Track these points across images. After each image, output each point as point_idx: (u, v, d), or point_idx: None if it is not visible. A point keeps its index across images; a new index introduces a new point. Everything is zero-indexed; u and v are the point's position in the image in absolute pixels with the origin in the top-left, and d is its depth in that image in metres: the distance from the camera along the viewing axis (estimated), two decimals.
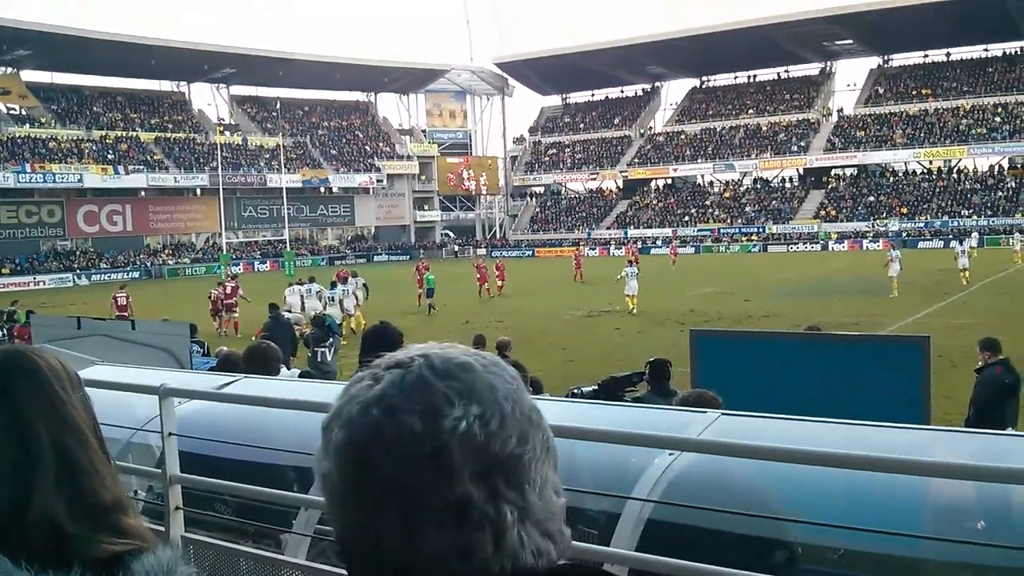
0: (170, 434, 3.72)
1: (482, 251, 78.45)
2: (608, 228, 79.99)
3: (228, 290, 27.86)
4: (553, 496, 0.93)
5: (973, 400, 9.35)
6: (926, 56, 78.98)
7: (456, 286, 38.89)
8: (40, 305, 28.64)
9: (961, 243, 38.15)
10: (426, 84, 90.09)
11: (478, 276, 36.94)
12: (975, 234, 55.20)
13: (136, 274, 61.68)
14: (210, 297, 28.47)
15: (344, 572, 0.94)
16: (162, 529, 3.68)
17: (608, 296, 32.69)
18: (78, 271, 61.15)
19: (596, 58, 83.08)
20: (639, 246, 64.90)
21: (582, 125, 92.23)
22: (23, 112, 68.00)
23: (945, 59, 78.36)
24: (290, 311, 24.41)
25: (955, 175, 71.63)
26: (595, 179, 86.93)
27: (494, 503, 0.87)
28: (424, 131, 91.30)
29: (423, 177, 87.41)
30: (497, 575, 0.88)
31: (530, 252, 76.52)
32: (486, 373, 0.92)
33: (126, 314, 26.03)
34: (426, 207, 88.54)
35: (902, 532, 2.78)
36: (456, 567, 0.87)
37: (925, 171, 73.39)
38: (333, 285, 26.23)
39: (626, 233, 76.41)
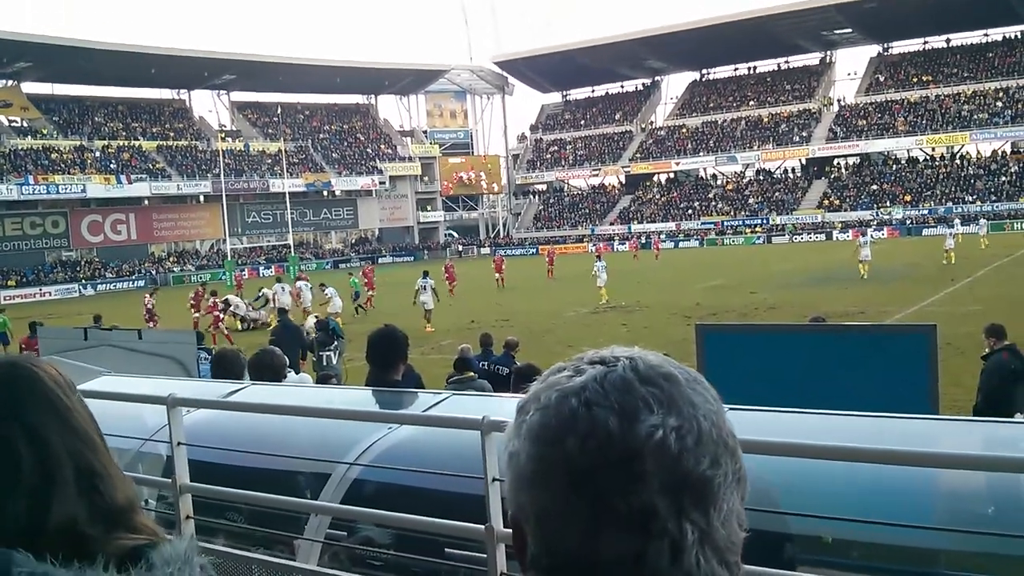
0: (179, 443, 3.74)
1: (486, 250, 78.52)
2: (612, 224, 79.96)
3: (211, 303, 29.42)
4: (736, 527, 0.91)
5: (981, 387, 9.33)
6: (926, 43, 78.82)
7: (460, 286, 39.03)
8: (47, 316, 28.69)
9: (950, 226, 44.80)
10: (426, 85, 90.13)
11: (446, 276, 37.57)
12: (957, 221, 55.42)
13: (141, 282, 61.76)
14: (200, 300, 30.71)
15: None
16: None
17: (610, 292, 32.67)
18: (84, 281, 61.24)
19: (595, 54, 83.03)
20: (641, 241, 65.33)
21: (583, 121, 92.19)
22: (25, 124, 68.17)
23: (945, 45, 78.19)
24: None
25: (958, 161, 71.46)
26: (597, 175, 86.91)
27: (677, 519, 0.86)
28: (425, 132, 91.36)
29: (425, 178, 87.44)
30: None
31: (534, 250, 76.53)
32: (688, 388, 0.91)
33: (156, 319, 29.36)
34: (429, 208, 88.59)
35: (906, 524, 2.78)
36: (630, 572, 0.86)
37: (928, 158, 73.24)
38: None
39: (630, 228, 76.39)
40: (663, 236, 69.45)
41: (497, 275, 41.63)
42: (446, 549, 3.44)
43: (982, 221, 52.53)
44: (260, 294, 32.19)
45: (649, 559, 0.86)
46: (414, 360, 7.05)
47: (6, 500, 1.23)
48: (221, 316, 28.92)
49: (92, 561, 1.20)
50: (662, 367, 0.92)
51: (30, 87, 70.16)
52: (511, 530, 0.97)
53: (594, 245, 65.81)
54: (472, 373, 9.49)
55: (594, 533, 0.87)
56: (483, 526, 2.93)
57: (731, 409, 3.22)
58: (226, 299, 30.84)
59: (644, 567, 0.86)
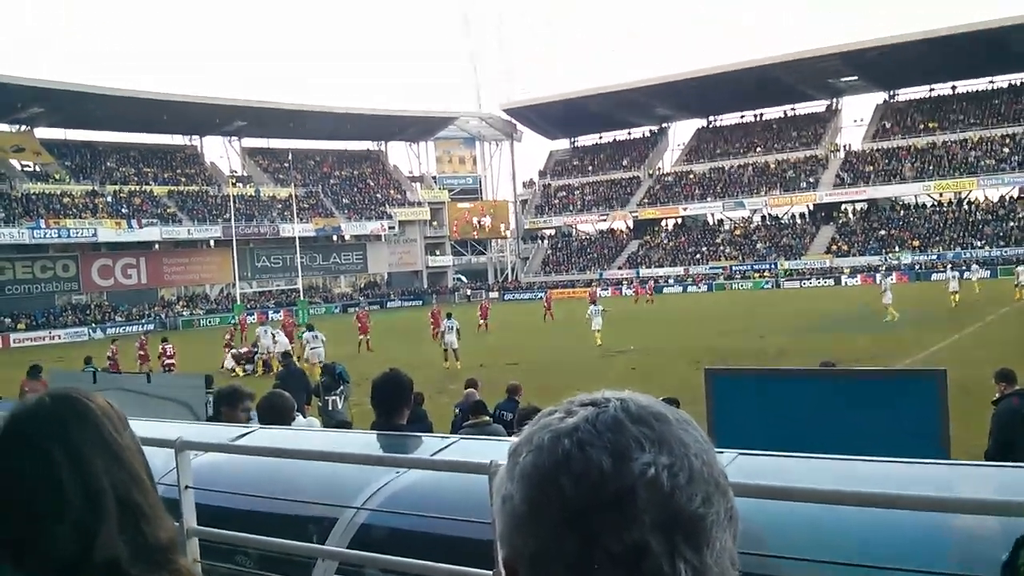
0: (187, 487, 3.73)
1: (494, 294, 78.60)
2: (620, 268, 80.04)
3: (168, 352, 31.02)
4: (729, 565, 0.91)
5: (992, 432, 9.25)
6: (932, 90, 79.36)
7: (467, 330, 39.07)
8: (57, 360, 28.75)
9: (952, 270, 47.14)
10: (435, 132, 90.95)
11: (431, 322, 38.07)
12: (974, 265, 55.12)
13: (151, 326, 61.91)
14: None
15: None
16: None
17: (621, 335, 32.64)
18: (93, 325, 61.41)
19: (603, 101, 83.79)
20: (654, 284, 65.54)
21: (591, 167, 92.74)
22: (37, 168, 68.84)
23: (951, 92, 78.66)
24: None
25: (966, 206, 71.55)
26: (605, 220, 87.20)
27: (670, 558, 0.86)
28: (434, 178, 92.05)
29: (434, 223, 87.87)
30: None
31: (542, 294, 76.57)
32: (679, 428, 0.92)
33: (173, 363, 30.43)
34: (438, 252, 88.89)
35: (920, 570, 2.75)
36: None
37: (936, 203, 73.33)
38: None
39: (638, 273, 76.44)
40: (666, 280, 69.56)
41: (481, 320, 42.45)
42: None
43: (975, 267, 52.45)
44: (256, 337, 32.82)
45: None
46: (435, 405, 7.00)
47: (53, 527, 1.24)
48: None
49: None
50: (652, 407, 0.93)
51: (43, 132, 70.97)
52: (504, 574, 0.96)
53: (602, 289, 65.98)
54: (487, 418, 9.47)
55: (588, 573, 0.87)
56: (491, 571, 2.91)
57: (740, 454, 3.21)
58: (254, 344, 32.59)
59: None
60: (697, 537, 0.88)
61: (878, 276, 43.52)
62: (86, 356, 22.97)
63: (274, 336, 31.52)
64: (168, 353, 30.89)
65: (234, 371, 30.93)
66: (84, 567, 1.22)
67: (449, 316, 31.20)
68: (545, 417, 0.95)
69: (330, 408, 15.43)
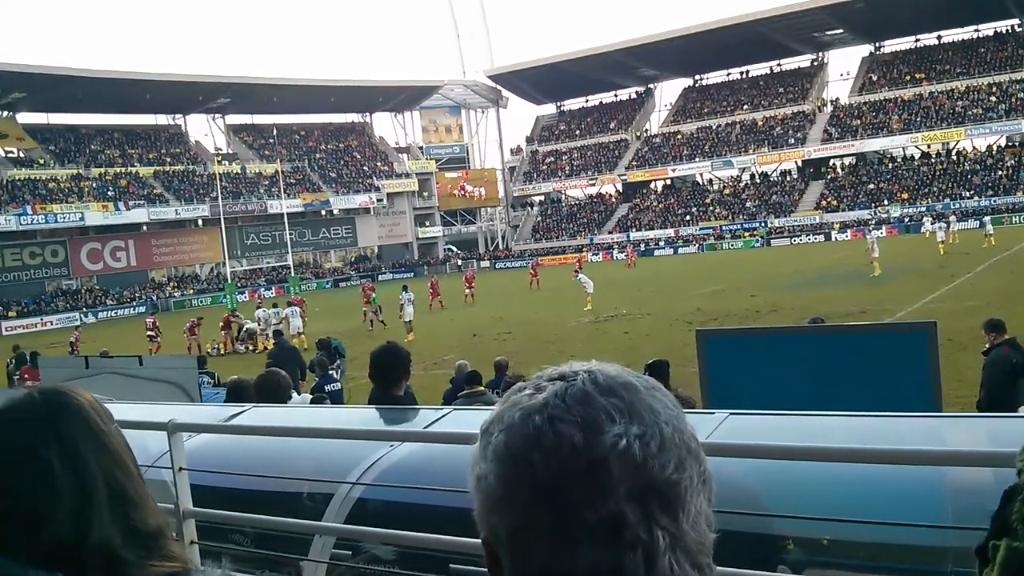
0: (181, 469, 3.72)
1: (485, 263, 78.54)
2: (610, 232, 79.98)
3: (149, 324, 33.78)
4: (706, 528, 0.92)
5: (983, 383, 9.30)
6: (917, 40, 79.03)
7: (455, 300, 39.25)
8: (48, 347, 28.72)
9: (936, 221, 48.50)
10: (421, 101, 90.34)
11: (431, 291, 39.47)
12: (952, 216, 54.86)
13: (142, 308, 61.79)
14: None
15: None
16: None
17: (614, 300, 32.69)
18: (84, 309, 61.24)
19: (588, 64, 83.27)
20: (641, 249, 65.53)
21: (578, 132, 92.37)
22: (21, 154, 68.32)
23: (936, 42, 78.36)
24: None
25: (954, 157, 71.54)
26: (594, 184, 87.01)
27: (647, 525, 0.87)
28: (421, 148, 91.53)
29: (423, 194, 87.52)
30: None
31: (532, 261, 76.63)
32: (648, 396, 0.93)
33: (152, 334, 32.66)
34: (427, 223, 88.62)
35: (913, 523, 2.77)
36: None
37: (923, 155, 73.29)
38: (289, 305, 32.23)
39: (628, 236, 76.38)
40: (656, 242, 69.54)
41: (467, 290, 42.59)
42: (451, 565, 3.43)
43: (986, 219, 51.90)
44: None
45: (626, 569, 0.87)
46: (416, 377, 7.07)
47: (49, 521, 1.28)
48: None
49: None
50: (620, 377, 0.94)
51: (25, 117, 70.40)
52: (484, 552, 0.96)
53: (592, 253, 66.00)
54: (481, 387, 9.49)
55: (567, 547, 0.87)
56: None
57: (732, 414, 3.21)
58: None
59: None
60: (672, 503, 0.89)
61: (866, 232, 44.06)
62: (102, 351, 23.02)
63: (302, 316, 32.35)
64: (149, 326, 33.22)
65: (221, 349, 31.46)
66: (79, 554, 1.25)
67: (405, 289, 31.65)
68: (515, 394, 0.95)
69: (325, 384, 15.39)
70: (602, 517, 0.86)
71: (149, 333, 32.76)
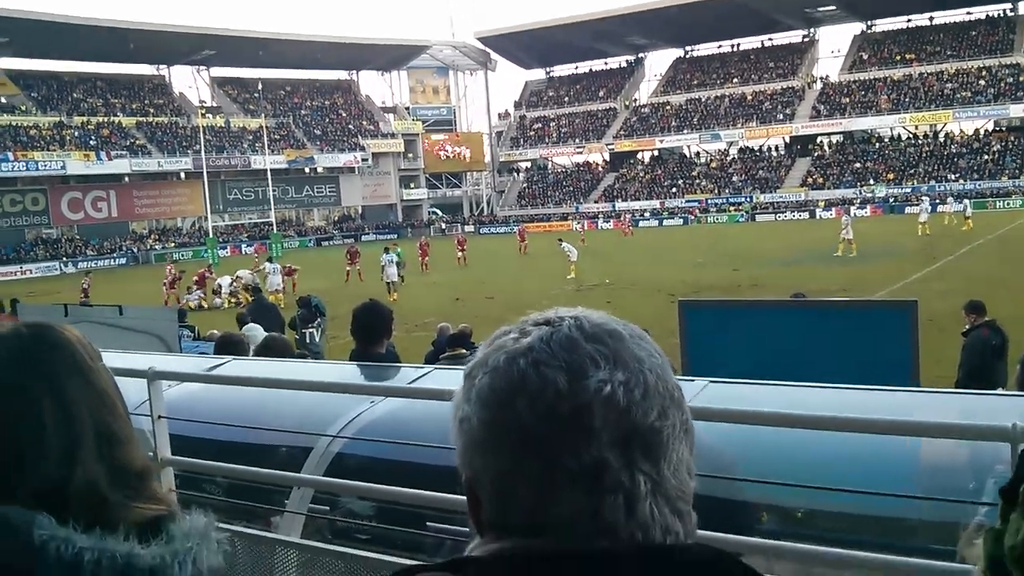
0: (160, 417, 3.72)
1: (470, 228, 78.34)
2: (596, 202, 79.89)
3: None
4: (687, 476, 0.93)
5: (962, 363, 9.41)
6: (909, 21, 78.79)
7: (446, 263, 39.18)
8: (27, 295, 28.47)
9: (925, 202, 49.68)
10: (408, 61, 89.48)
11: (420, 252, 40.07)
12: (926, 199, 54.67)
13: (123, 260, 61.37)
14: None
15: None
16: None
17: (595, 269, 32.74)
18: (64, 259, 60.78)
19: (579, 30, 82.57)
20: (631, 219, 65.54)
21: (567, 98, 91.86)
22: (3, 100, 67.34)
23: (928, 23, 78.17)
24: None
25: (941, 139, 71.73)
26: (581, 152, 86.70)
27: (629, 471, 0.88)
28: (408, 108, 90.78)
29: (409, 155, 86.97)
30: (626, 542, 0.88)
31: (516, 228, 76.52)
32: (633, 343, 0.93)
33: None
34: (412, 185, 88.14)
35: (885, 493, 2.80)
36: (587, 527, 0.88)
37: (911, 136, 73.42)
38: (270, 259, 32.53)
39: (614, 206, 76.34)
40: (642, 214, 69.60)
41: (460, 252, 43.00)
42: (427, 523, 3.46)
43: (965, 201, 52.04)
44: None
45: (605, 513, 0.87)
46: (397, 338, 7.08)
47: (36, 460, 1.26)
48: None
49: (113, 529, 1.21)
50: (607, 324, 0.94)
51: (7, 62, 69.29)
52: (466, 494, 0.98)
53: (578, 223, 65.90)
54: (464, 350, 9.49)
55: (549, 491, 0.88)
56: (464, 498, 2.94)
57: (711, 382, 3.23)
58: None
59: (601, 521, 0.88)
60: (654, 450, 0.89)
61: (844, 212, 44.85)
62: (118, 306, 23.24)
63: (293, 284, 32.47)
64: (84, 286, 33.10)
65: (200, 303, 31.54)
66: (64, 492, 1.24)
67: (387, 250, 31.89)
68: (500, 338, 0.95)
69: (307, 341, 15.37)
70: (585, 462, 0.87)
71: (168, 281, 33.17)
